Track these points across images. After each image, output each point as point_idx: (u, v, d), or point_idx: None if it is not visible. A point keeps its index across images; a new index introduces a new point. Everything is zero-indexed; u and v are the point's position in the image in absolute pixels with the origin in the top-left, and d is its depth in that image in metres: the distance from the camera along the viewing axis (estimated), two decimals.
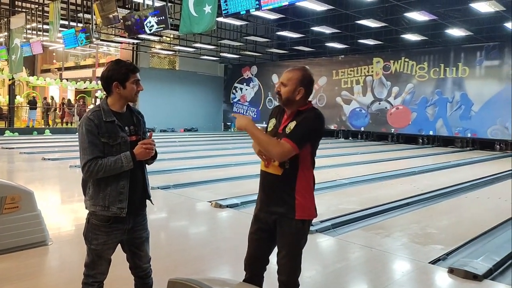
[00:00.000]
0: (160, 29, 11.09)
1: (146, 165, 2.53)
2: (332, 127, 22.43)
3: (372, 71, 21.02)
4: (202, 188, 7.64)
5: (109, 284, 2.62)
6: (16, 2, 18.27)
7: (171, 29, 12.04)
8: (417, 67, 19.49)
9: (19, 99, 22.12)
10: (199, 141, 17.98)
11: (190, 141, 18.23)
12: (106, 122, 2.30)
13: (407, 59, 19.81)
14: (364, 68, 21.25)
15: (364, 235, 5.02)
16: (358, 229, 5.27)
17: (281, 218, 2.33)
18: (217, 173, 9.20)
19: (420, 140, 19.61)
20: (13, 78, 19.87)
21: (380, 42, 18.75)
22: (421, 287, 3.70)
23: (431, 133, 19.14)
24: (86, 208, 2.40)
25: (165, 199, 6.90)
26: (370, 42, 18.77)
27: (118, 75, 2.32)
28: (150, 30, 11.14)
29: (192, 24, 10.02)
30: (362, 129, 21.56)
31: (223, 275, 3.81)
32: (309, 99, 2.40)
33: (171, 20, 11.73)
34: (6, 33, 18.09)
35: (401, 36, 17.49)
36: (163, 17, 10.72)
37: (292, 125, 2.28)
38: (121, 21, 11.87)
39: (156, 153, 2.47)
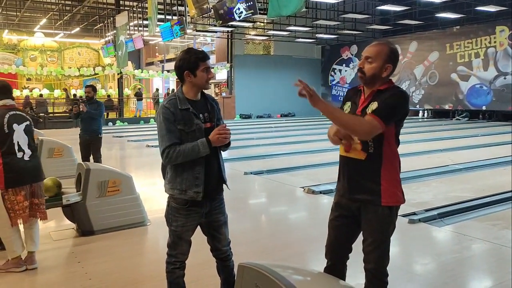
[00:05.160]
0: (249, 15, 11.19)
1: (221, 151, 2.57)
2: (446, 107, 20.40)
3: (495, 42, 18.49)
4: (296, 173, 7.52)
5: (193, 267, 2.77)
6: (120, 1, 19.87)
7: (260, 13, 11.90)
8: None
9: (127, 91, 24.07)
10: (295, 126, 17.84)
11: (286, 126, 18.20)
12: (182, 110, 2.39)
13: None
14: (485, 39, 18.78)
15: (478, 226, 4.53)
16: (471, 220, 4.78)
17: (366, 205, 2.20)
18: (313, 159, 8.98)
19: None
20: (121, 72, 21.88)
21: (504, 8, 16.44)
22: None
23: None
24: (165, 191, 2.52)
25: (257, 184, 6.93)
26: (492, 8, 16.56)
27: (188, 64, 2.40)
28: (239, 16, 11.30)
29: (281, 6, 9.94)
30: (484, 108, 19.18)
31: (311, 261, 3.72)
32: (392, 77, 2.27)
33: (259, 4, 11.75)
34: (113, 31, 19.74)
35: None
36: (252, 3, 10.78)
37: (373, 105, 2.14)
38: (212, 10, 12.20)
39: (229, 141, 2.49)
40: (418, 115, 22.15)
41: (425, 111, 22.24)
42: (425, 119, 21.34)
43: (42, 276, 3.38)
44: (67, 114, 18.43)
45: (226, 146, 2.50)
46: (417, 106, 21.55)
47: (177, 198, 2.44)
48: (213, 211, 2.53)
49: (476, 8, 16.95)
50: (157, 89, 25.03)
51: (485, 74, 18.88)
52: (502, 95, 18.37)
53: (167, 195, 2.53)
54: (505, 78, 18.24)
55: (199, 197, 2.40)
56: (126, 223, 4.44)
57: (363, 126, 2.05)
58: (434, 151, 9.62)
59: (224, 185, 2.58)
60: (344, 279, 2.33)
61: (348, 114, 2.16)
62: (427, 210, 4.85)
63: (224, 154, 2.60)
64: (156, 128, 2.48)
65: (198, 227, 2.57)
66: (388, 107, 2.09)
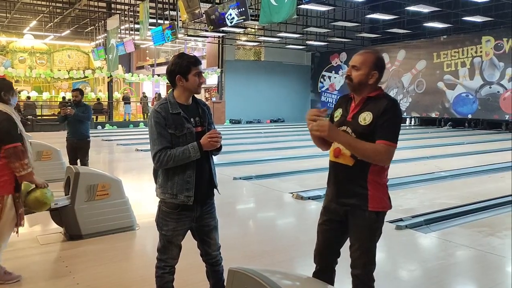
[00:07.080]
0: (241, 20, 11.25)
1: (213, 156, 2.59)
2: (433, 115, 20.67)
3: (481, 52, 18.85)
4: (285, 179, 7.53)
5: (182, 271, 2.75)
6: (112, 4, 19.76)
7: (252, 19, 11.96)
8: None
9: (117, 95, 23.92)
10: (285, 132, 17.91)
11: (276, 132, 18.26)
12: (173, 114, 2.39)
13: None
14: (471, 49, 19.15)
15: (463, 232, 4.58)
16: (456, 226, 4.82)
17: (354, 210, 2.23)
18: (302, 164, 9.00)
19: None
20: (111, 76, 21.68)
21: (490, 19, 16.81)
22: None
23: None
24: (156, 195, 2.53)
25: (246, 189, 6.93)
26: (478, 19, 16.89)
27: (180, 68, 2.40)
28: (231, 22, 11.36)
29: (272, 13, 10.05)
30: (470, 116, 19.50)
31: (299, 267, 3.71)
32: (380, 85, 2.33)
33: (251, 10, 11.75)
34: (104, 35, 19.66)
35: None
36: (243, 9, 10.84)
37: (367, 116, 2.17)
38: (204, 15, 12.24)
39: (220, 145, 2.50)
40: (405, 123, 22.43)
41: (412, 119, 22.54)
42: (412, 127, 21.62)
43: (29, 281, 3.34)
44: (56, 117, 18.26)
45: (218, 150, 2.50)
46: (404, 114, 21.81)
47: (168, 202, 2.43)
48: (204, 215, 2.53)
49: (463, 18, 17.26)
50: (144, 93, 24.92)
51: (471, 83, 19.21)
52: (487, 104, 18.70)
53: (157, 200, 2.52)
54: (490, 87, 18.58)
55: (190, 202, 2.40)
56: (115, 227, 4.40)
57: (382, 156, 2.12)
58: (420, 158, 9.73)
59: (215, 189, 2.58)
60: (332, 284, 2.35)
61: (367, 145, 2.11)
62: (413, 217, 4.89)
63: (214, 159, 2.61)
64: (146, 132, 2.48)
65: (188, 231, 2.57)
66: (393, 127, 2.17)
